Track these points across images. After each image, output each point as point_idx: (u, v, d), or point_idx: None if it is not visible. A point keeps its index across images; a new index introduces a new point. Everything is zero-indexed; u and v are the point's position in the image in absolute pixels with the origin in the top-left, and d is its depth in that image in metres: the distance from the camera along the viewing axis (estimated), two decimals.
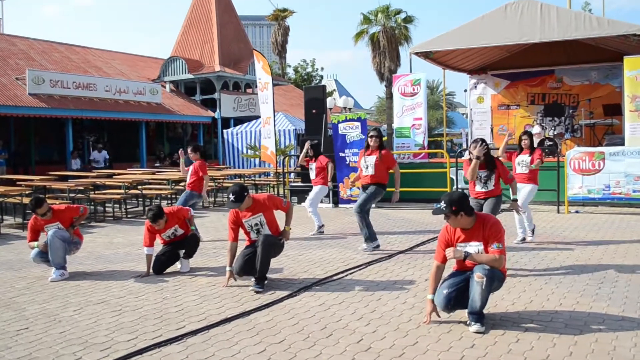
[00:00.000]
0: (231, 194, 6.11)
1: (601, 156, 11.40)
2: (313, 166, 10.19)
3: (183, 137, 29.73)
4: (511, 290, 5.82)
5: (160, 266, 7.14)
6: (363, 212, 8.18)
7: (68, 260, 7.26)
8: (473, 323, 4.63)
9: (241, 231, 6.42)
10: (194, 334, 4.81)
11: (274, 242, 6.33)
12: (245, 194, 6.15)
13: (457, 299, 4.76)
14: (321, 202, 13.71)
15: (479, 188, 7.24)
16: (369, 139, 8.33)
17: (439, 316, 4.87)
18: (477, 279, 4.58)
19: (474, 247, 4.76)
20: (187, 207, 7.55)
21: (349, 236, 9.56)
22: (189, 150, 9.82)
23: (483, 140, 7.22)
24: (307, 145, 10.29)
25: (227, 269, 6.34)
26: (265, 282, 6.25)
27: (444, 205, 4.75)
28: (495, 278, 4.67)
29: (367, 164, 8.25)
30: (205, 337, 4.72)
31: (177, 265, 7.29)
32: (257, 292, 6.02)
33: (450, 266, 5.07)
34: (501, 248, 4.67)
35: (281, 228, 6.55)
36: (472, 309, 4.65)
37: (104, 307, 5.69)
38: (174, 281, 6.72)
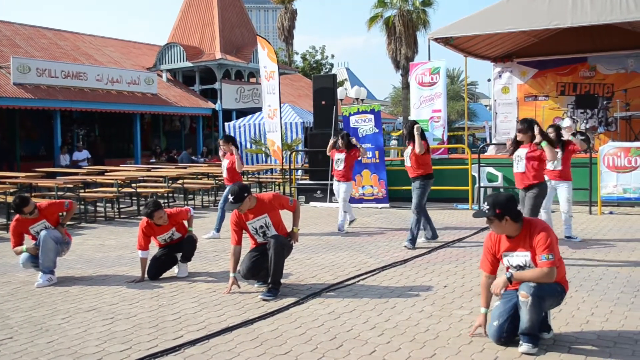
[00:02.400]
0: (230, 194, 6.15)
1: (638, 152, 11.34)
2: (342, 157, 10.39)
3: (181, 131, 29.84)
4: None
5: (156, 271, 7.17)
6: (419, 210, 8.79)
7: (56, 263, 7.30)
8: (523, 343, 4.44)
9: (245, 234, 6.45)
10: (193, 344, 4.83)
11: (286, 244, 6.36)
12: (246, 194, 6.17)
13: (511, 329, 4.53)
14: (331, 201, 13.77)
15: (550, 166, 7.78)
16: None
17: (486, 334, 4.73)
18: (522, 298, 4.40)
19: (520, 257, 4.59)
20: (188, 208, 7.59)
21: (361, 238, 9.56)
22: (221, 141, 10.22)
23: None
24: (333, 139, 10.79)
25: (231, 274, 6.35)
26: (279, 291, 6.23)
27: (487, 207, 4.58)
28: (547, 296, 4.45)
29: (404, 156, 8.98)
30: (205, 348, 4.74)
31: (174, 270, 7.32)
32: (264, 301, 6.02)
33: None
34: (552, 259, 4.42)
35: (288, 229, 6.57)
36: (521, 329, 4.45)
37: (95, 315, 5.72)
38: (171, 287, 6.75)
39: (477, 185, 12.88)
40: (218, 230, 10.09)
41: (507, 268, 4.70)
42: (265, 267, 6.25)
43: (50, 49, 25.53)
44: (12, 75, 20.71)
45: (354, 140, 10.77)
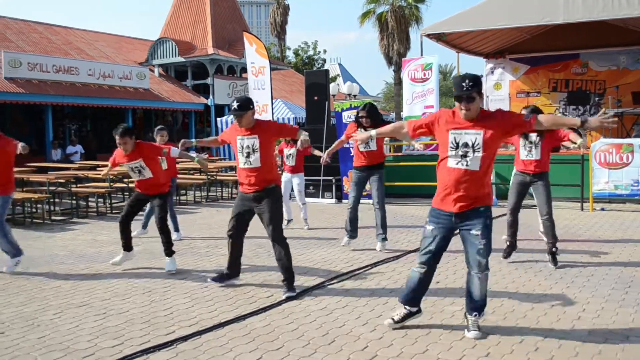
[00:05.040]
0: (236, 101, 6.02)
1: (629, 148, 11.39)
2: (293, 152, 10.23)
3: (173, 126, 29.73)
4: (531, 294, 5.83)
5: (127, 213, 7.41)
6: (384, 204, 8.34)
7: (48, 255, 7.28)
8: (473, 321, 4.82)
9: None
10: (185, 339, 4.82)
11: (283, 234, 6.16)
12: (251, 106, 6.07)
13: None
14: (323, 197, 13.79)
15: (524, 156, 7.05)
16: (362, 120, 8.02)
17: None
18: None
19: (471, 134, 4.57)
20: (162, 146, 7.64)
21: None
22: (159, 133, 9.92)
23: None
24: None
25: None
26: (295, 282, 6.17)
27: (470, 83, 4.50)
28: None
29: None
30: (197, 343, 4.73)
31: (165, 267, 7.25)
32: (290, 299, 5.90)
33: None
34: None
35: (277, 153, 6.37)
36: (474, 306, 4.83)
37: (87, 311, 5.70)
38: (163, 283, 6.74)
39: None
40: (178, 229, 9.58)
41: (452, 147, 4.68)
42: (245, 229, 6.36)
43: (41, 43, 25.40)
44: (3, 69, 20.63)
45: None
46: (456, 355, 4.35)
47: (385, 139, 8.28)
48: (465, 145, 4.58)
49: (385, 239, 8.28)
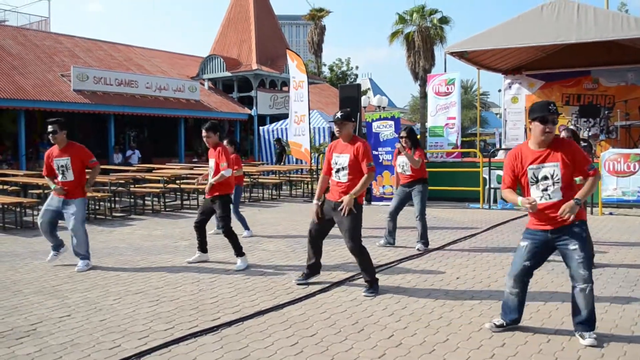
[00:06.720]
0: (340, 111, 5.88)
1: (637, 158, 11.16)
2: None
3: (220, 134, 30.00)
4: (543, 290, 5.74)
5: (201, 224, 7.34)
6: (424, 215, 8.17)
7: (109, 247, 7.37)
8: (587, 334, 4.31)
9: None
10: (229, 325, 4.85)
11: (362, 248, 5.95)
12: (353, 119, 5.89)
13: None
14: None
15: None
16: (402, 140, 8.14)
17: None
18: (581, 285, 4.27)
19: (548, 167, 4.25)
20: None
21: (380, 233, 9.51)
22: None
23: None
24: None
25: (315, 201, 6.01)
26: (375, 284, 5.88)
27: (554, 107, 4.21)
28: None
29: (400, 165, 8.21)
30: (240, 329, 4.76)
31: (237, 263, 7.16)
32: (367, 297, 5.66)
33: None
34: (595, 167, 4.24)
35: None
36: (581, 320, 4.34)
37: (143, 297, 5.78)
38: (210, 273, 6.79)
39: (487, 186, 12.77)
40: (248, 228, 9.82)
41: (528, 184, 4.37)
42: (325, 233, 6.14)
43: (105, 59, 25.88)
44: (72, 82, 21.07)
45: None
46: (474, 345, 4.30)
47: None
48: (545, 178, 4.28)
49: (422, 244, 8.07)
